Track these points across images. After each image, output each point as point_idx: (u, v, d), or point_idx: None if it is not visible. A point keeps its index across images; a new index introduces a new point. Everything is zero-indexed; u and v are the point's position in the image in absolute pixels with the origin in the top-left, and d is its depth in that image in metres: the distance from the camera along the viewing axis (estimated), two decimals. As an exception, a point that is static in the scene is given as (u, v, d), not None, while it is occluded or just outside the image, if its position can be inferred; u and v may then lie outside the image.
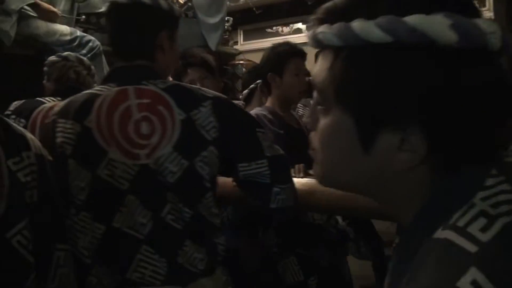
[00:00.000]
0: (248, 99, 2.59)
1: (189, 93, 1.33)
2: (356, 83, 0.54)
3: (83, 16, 3.13)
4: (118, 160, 1.23)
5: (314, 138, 0.63)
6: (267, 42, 6.38)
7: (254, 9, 4.82)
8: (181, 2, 3.56)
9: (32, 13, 2.79)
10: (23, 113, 1.93)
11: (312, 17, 0.59)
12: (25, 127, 1.81)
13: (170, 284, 1.25)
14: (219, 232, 1.35)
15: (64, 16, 3.02)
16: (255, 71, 2.62)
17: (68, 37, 2.78)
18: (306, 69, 2.27)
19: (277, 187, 1.36)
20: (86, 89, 2.01)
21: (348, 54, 0.54)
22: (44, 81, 2.15)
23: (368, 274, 2.44)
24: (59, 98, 1.99)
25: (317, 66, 0.59)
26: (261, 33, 6.17)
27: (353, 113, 0.55)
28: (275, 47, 2.22)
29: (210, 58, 2.26)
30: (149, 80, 1.30)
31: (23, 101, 2.02)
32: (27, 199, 0.97)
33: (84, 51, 2.82)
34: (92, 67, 2.18)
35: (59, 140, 1.28)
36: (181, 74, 2.29)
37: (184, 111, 1.28)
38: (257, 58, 2.61)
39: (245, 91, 2.61)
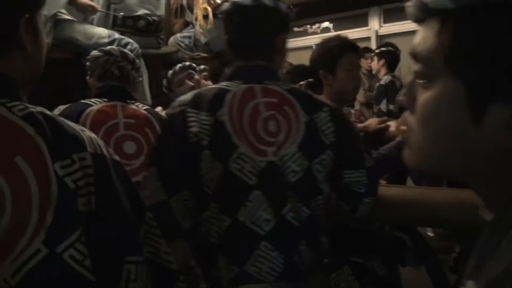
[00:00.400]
0: None
1: (309, 97, 1.42)
2: (470, 47, 0.52)
3: (122, 14, 3.06)
4: (247, 155, 1.28)
5: (409, 118, 0.61)
6: (295, 42, 6.39)
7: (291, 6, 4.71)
8: (218, 1, 3.47)
9: (68, 16, 2.76)
10: (70, 117, 1.85)
11: None
12: None
13: (282, 281, 1.27)
14: (324, 233, 1.39)
15: (102, 11, 2.98)
16: (298, 70, 2.54)
17: (107, 40, 2.72)
18: (359, 64, 2.19)
19: (368, 198, 1.46)
20: (130, 86, 1.99)
21: (460, 17, 0.53)
22: (87, 77, 2.09)
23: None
24: (105, 99, 1.94)
25: (419, 36, 0.59)
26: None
27: (465, 80, 0.53)
28: (325, 42, 2.16)
29: None
30: (271, 80, 1.38)
31: (68, 105, 1.94)
32: (81, 207, 0.83)
33: (122, 54, 2.77)
34: (137, 61, 2.11)
35: (194, 129, 1.30)
36: (219, 73, 2.29)
37: (307, 113, 1.35)
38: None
39: None
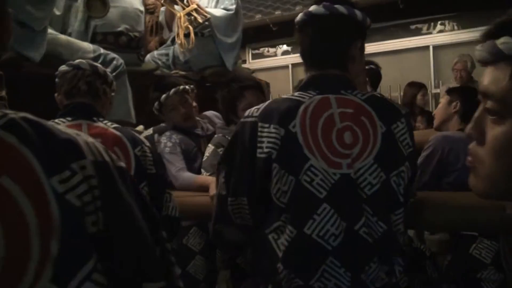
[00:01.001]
0: None
1: (389, 107, 1.39)
2: None
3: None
4: (319, 168, 1.26)
5: (478, 150, 0.66)
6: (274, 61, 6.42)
7: (271, 25, 4.76)
8: (200, 21, 3.42)
9: (51, 29, 2.63)
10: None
11: (484, 31, 0.67)
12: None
13: None
14: (401, 252, 1.35)
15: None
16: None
17: (91, 55, 2.61)
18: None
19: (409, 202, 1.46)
20: (100, 102, 1.87)
21: None
22: (55, 94, 1.94)
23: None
24: (69, 118, 1.81)
25: (489, 77, 0.65)
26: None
27: None
28: None
29: (261, 81, 2.23)
30: (347, 90, 1.35)
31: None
32: (90, 229, 0.69)
33: (108, 70, 2.64)
34: (109, 74, 1.99)
35: (264, 144, 1.30)
36: (237, 96, 2.36)
37: (384, 124, 1.32)
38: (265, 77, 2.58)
39: None
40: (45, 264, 0.61)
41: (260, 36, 5.70)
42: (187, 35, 3.40)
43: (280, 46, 6.36)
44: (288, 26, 5.43)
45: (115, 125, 1.87)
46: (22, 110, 2.19)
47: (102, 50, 2.69)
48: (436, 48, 5.45)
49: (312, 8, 1.38)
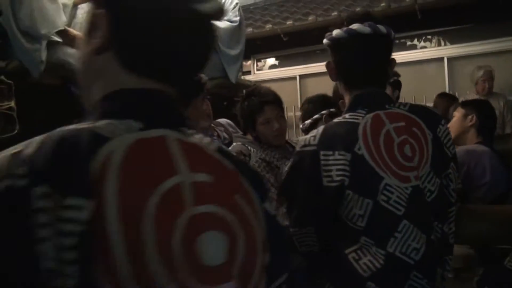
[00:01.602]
0: (310, 130, 2.39)
1: (429, 112, 1.42)
2: None
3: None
4: (393, 185, 1.26)
5: None
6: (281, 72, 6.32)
7: (281, 35, 4.72)
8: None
9: (59, 39, 2.56)
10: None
11: None
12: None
13: None
14: (451, 254, 1.41)
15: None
16: (321, 99, 2.58)
17: (100, 66, 2.54)
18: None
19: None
20: None
21: None
22: None
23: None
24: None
25: None
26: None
27: None
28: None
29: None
30: (389, 104, 1.38)
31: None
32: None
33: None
34: None
35: (333, 172, 1.28)
36: (256, 110, 2.28)
37: (431, 130, 1.36)
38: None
39: (308, 121, 2.53)
40: (262, 271, 0.70)
41: (267, 46, 5.64)
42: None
43: (287, 56, 6.26)
44: (299, 36, 5.40)
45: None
46: (27, 121, 2.08)
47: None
48: (451, 59, 5.38)
49: (357, 26, 1.36)
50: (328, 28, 1.44)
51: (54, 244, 0.53)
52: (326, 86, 2.40)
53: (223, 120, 2.84)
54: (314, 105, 2.59)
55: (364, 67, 1.40)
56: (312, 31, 5.15)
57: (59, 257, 0.53)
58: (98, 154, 0.59)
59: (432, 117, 1.40)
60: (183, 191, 0.63)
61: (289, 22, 5.42)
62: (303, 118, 2.61)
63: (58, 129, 0.61)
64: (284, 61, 6.31)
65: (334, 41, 1.40)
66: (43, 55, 2.30)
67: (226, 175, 0.71)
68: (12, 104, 2.01)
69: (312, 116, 2.50)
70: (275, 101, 2.37)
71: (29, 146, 0.58)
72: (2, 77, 2.02)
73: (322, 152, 1.30)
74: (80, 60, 0.74)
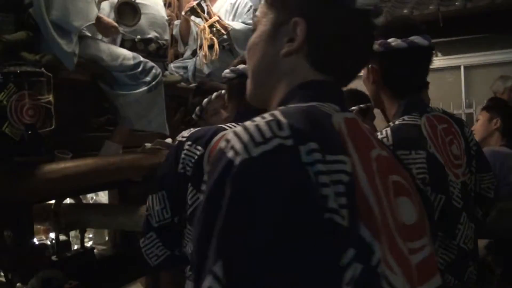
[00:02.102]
0: None
1: (452, 115, 1.57)
2: None
3: (138, 37, 2.85)
4: (453, 180, 1.39)
5: None
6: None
7: None
8: (223, 32, 3.32)
9: (89, 34, 2.47)
10: (200, 140, 1.62)
11: None
12: (202, 155, 1.58)
13: None
14: None
15: (124, 33, 2.74)
16: (350, 95, 2.46)
17: (132, 62, 2.46)
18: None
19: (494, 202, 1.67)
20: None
21: None
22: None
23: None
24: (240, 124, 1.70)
25: None
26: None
27: None
28: None
29: None
30: (429, 108, 1.50)
31: (199, 128, 1.72)
32: None
33: (148, 78, 2.51)
34: None
35: (414, 171, 1.32)
36: None
37: (460, 131, 1.49)
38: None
39: None
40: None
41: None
42: (210, 47, 3.30)
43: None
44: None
45: None
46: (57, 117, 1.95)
47: (141, 58, 2.54)
48: (468, 68, 5.49)
49: (418, 40, 1.42)
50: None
51: (333, 189, 0.63)
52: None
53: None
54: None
55: (421, 79, 1.51)
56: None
57: (336, 200, 0.63)
58: (334, 123, 0.73)
59: (457, 119, 1.54)
60: (382, 160, 0.76)
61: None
62: None
63: (282, 109, 0.72)
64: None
65: (391, 49, 1.43)
66: (76, 48, 2.20)
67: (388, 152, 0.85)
68: (51, 98, 1.90)
69: None
70: None
71: (275, 118, 0.67)
72: (42, 69, 1.91)
73: (399, 152, 1.32)
74: (260, 62, 0.86)
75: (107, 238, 3.27)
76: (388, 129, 1.39)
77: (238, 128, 0.67)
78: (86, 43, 2.34)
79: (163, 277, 3.96)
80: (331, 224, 0.62)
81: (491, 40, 5.33)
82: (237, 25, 3.56)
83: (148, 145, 2.72)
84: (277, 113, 0.69)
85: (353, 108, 2.44)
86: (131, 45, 2.80)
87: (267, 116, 0.68)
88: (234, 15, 3.72)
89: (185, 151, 1.60)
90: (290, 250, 0.59)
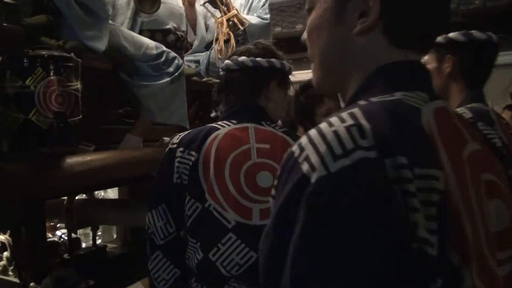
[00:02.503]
0: None
1: None
2: None
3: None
4: None
5: None
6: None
7: None
8: (240, 27, 3.23)
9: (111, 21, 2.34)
10: (192, 145, 1.52)
11: None
12: (196, 161, 1.48)
13: None
14: None
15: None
16: None
17: (154, 51, 2.33)
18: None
19: None
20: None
21: None
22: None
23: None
24: (233, 121, 1.60)
25: None
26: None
27: None
28: None
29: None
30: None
31: (187, 131, 1.62)
32: None
33: (171, 69, 2.39)
34: None
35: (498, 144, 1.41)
36: (316, 103, 2.31)
37: None
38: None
39: None
40: None
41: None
42: (225, 42, 3.20)
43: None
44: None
45: (284, 129, 1.66)
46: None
47: (164, 48, 2.41)
48: None
49: (491, 34, 1.51)
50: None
51: (422, 213, 0.55)
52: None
53: None
54: None
55: (490, 72, 1.58)
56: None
57: (426, 226, 0.54)
58: (423, 124, 0.63)
59: None
60: (474, 158, 0.67)
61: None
62: None
63: (364, 106, 0.63)
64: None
65: (474, 40, 1.48)
66: (105, 32, 2.08)
67: None
68: (79, 85, 1.78)
69: None
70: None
71: (356, 121, 0.58)
72: (72, 54, 1.79)
73: (479, 123, 1.40)
74: (328, 45, 0.76)
75: (115, 236, 3.14)
76: (463, 108, 1.45)
77: (314, 134, 0.59)
78: (110, 30, 2.22)
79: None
80: (420, 256, 0.54)
81: (509, 41, 5.28)
82: (254, 19, 3.48)
83: (166, 139, 2.60)
84: (358, 113, 0.60)
85: None
86: (149, 36, 2.67)
87: (347, 117, 0.59)
88: (249, 9, 3.64)
89: (178, 159, 1.50)
90: None
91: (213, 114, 2.81)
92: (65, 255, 2.48)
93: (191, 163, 1.48)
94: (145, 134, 2.40)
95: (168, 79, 2.36)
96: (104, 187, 2.68)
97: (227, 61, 1.70)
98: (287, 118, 2.49)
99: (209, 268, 1.46)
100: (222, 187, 1.47)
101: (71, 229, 2.51)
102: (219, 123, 1.60)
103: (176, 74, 2.39)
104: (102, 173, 1.94)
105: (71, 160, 1.81)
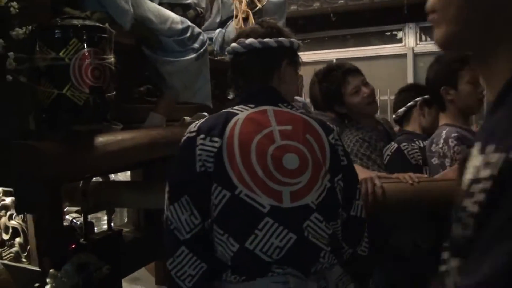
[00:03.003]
0: (405, 118, 2.56)
1: None
2: None
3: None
4: None
5: None
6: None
7: (331, 15, 4.63)
8: (258, 5, 3.12)
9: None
10: (213, 131, 1.44)
11: None
12: (220, 147, 1.42)
13: None
14: None
15: None
16: (413, 89, 2.62)
17: (180, 26, 2.20)
18: (477, 76, 2.19)
19: None
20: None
21: None
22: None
23: None
24: (251, 105, 1.53)
25: None
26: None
27: None
28: (441, 59, 2.19)
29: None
30: None
31: (205, 118, 1.54)
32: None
33: (196, 45, 2.26)
34: None
35: None
36: (341, 83, 2.32)
37: None
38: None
39: (401, 110, 2.56)
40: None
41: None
42: (245, 19, 3.09)
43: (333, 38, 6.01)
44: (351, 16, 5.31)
45: (301, 110, 1.59)
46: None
47: (189, 23, 2.28)
48: (416, 56, 5.44)
49: None
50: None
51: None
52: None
53: (298, 98, 2.69)
54: (406, 93, 2.61)
55: None
56: (363, 12, 5.04)
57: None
58: None
59: None
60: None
61: (341, 1, 5.23)
62: (395, 108, 2.62)
63: None
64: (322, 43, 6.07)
65: None
66: (130, 4, 1.94)
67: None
68: (113, 58, 1.65)
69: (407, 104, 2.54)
70: (356, 70, 2.37)
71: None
72: (107, 24, 1.65)
73: None
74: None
75: (126, 220, 3.03)
76: None
77: None
78: (135, 1, 2.07)
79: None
80: None
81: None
82: (271, -4, 3.35)
83: (187, 118, 2.49)
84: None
85: (417, 99, 2.49)
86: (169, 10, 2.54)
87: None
88: (262, -13, 3.51)
89: (199, 147, 1.43)
90: None
91: (230, 96, 2.71)
92: (81, 240, 2.36)
93: (216, 150, 1.41)
94: (168, 113, 2.28)
95: (194, 55, 2.24)
96: (131, 168, 2.55)
97: (233, 44, 1.61)
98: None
99: (248, 257, 1.38)
100: (250, 172, 1.40)
101: (87, 213, 2.39)
102: (236, 108, 1.52)
103: (201, 50, 2.27)
104: (133, 153, 1.82)
105: (104, 139, 1.69)
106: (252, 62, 1.56)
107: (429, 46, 5.49)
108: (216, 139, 1.42)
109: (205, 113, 2.55)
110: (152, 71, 2.22)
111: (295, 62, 1.66)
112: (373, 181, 1.83)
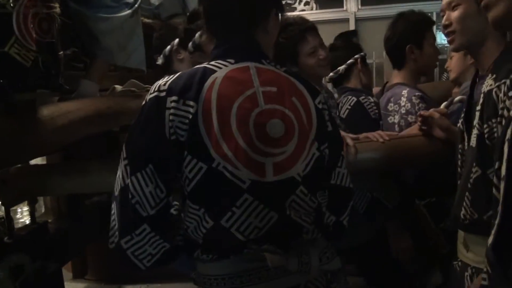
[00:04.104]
0: (345, 76, 2.48)
1: None
2: None
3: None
4: None
5: None
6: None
7: None
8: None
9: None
10: (188, 93, 1.18)
11: None
12: (196, 113, 1.18)
13: None
14: None
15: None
16: (349, 46, 2.54)
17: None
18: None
19: None
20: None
21: None
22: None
23: None
24: (230, 60, 1.27)
25: None
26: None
27: None
28: (406, 17, 2.18)
29: None
30: None
31: (175, 75, 1.24)
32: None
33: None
34: None
35: None
36: (298, 41, 2.12)
37: None
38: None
39: (342, 67, 2.46)
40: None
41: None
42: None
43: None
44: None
45: (284, 68, 1.34)
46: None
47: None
48: (358, 21, 5.51)
49: None
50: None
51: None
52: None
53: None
54: (344, 51, 2.52)
55: None
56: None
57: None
58: None
59: None
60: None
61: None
62: (335, 66, 2.49)
63: None
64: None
65: None
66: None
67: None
68: (58, 8, 1.34)
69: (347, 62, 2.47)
70: (315, 28, 2.19)
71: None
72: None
73: None
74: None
75: (43, 210, 2.64)
76: None
77: None
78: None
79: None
80: None
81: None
82: None
83: (118, 87, 2.18)
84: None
85: (356, 56, 2.46)
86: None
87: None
88: None
89: (171, 111, 1.19)
90: None
91: (159, 62, 2.42)
92: (6, 239, 1.99)
93: (190, 116, 1.17)
94: (102, 79, 1.96)
95: (129, 11, 1.93)
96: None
97: None
98: None
99: (222, 236, 1.20)
100: (230, 142, 1.18)
101: (9, 205, 2.01)
102: (213, 63, 1.27)
103: (136, 6, 1.96)
104: (81, 127, 1.50)
105: (49, 111, 1.36)
106: (237, 8, 1.29)
107: (371, 11, 5.52)
108: (191, 102, 1.17)
109: (137, 81, 2.26)
110: (82, 30, 1.87)
111: (282, 11, 1.42)
112: (345, 141, 1.69)
